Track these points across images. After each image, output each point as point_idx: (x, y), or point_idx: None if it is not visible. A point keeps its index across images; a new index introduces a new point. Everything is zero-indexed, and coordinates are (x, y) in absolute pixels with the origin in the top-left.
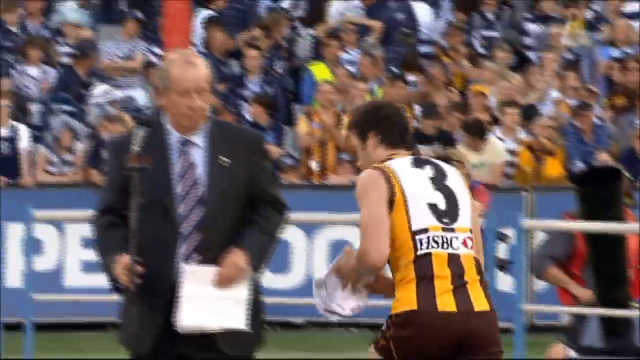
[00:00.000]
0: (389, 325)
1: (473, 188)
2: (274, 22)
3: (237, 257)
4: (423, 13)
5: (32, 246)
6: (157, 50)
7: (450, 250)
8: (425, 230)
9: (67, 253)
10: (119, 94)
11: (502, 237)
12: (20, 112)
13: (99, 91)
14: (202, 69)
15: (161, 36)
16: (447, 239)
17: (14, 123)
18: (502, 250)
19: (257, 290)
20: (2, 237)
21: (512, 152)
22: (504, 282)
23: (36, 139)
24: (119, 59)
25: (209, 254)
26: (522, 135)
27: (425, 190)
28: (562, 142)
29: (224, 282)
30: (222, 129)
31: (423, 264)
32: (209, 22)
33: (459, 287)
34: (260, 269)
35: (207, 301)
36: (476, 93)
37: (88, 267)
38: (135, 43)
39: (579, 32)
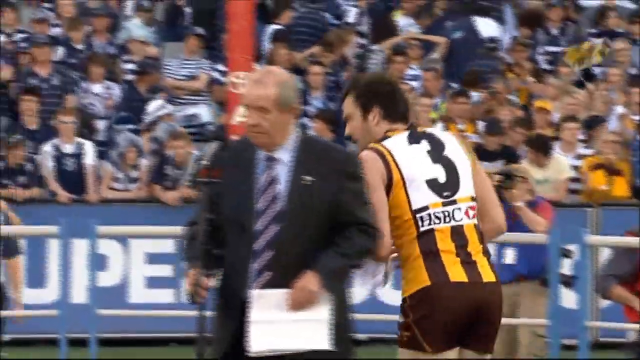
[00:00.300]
0: (406, 312)
1: (537, 204)
2: (339, 39)
3: (308, 281)
4: (487, 29)
5: (97, 262)
6: (220, 67)
7: (452, 223)
8: (426, 208)
9: (131, 269)
10: (174, 108)
11: (566, 253)
12: (85, 129)
13: (154, 106)
14: (265, 88)
15: (225, 53)
16: (448, 212)
17: (80, 140)
18: (566, 266)
19: (343, 310)
20: (67, 253)
21: (575, 168)
22: (568, 298)
23: (101, 155)
24: (183, 77)
25: (280, 272)
26: (585, 150)
27: (424, 167)
28: (628, 157)
29: (295, 305)
30: (311, 147)
31: (427, 240)
32: (275, 38)
33: (465, 258)
34: (336, 290)
35: (279, 324)
36: (540, 109)
37: (152, 282)
38: (198, 60)
39: None
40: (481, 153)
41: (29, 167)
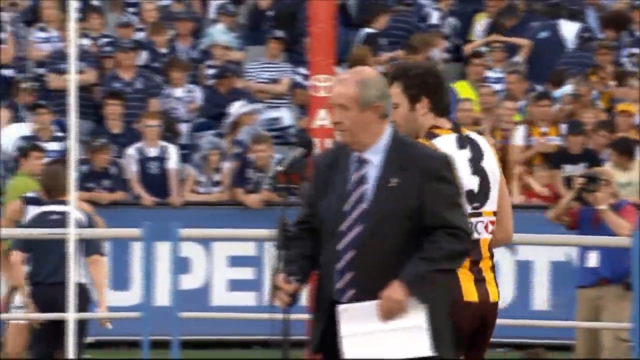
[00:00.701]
0: None
1: (620, 207)
2: (423, 42)
3: (393, 290)
4: (571, 31)
5: (180, 265)
6: (302, 70)
7: (474, 236)
8: None
9: (213, 271)
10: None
11: None
12: (168, 133)
13: (236, 106)
14: (345, 86)
15: (306, 57)
16: (472, 224)
17: (163, 143)
18: None
19: (439, 314)
20: (150, 256)
21: None
22: None
23: (184, 158)
24: (265, 81)
25: (362, 273)
26: None
27: (464, 176)
28: None
29: (384, 315)
30: (401, 148)
31: None
32: (365, 41)
33: (477, 275)
34: (426, 295)
35: (372, 335)
36: (623, 112)
37: (234, 285)
38: (279, 64)
39: None
40: (564, 156)
41: (114, 170)
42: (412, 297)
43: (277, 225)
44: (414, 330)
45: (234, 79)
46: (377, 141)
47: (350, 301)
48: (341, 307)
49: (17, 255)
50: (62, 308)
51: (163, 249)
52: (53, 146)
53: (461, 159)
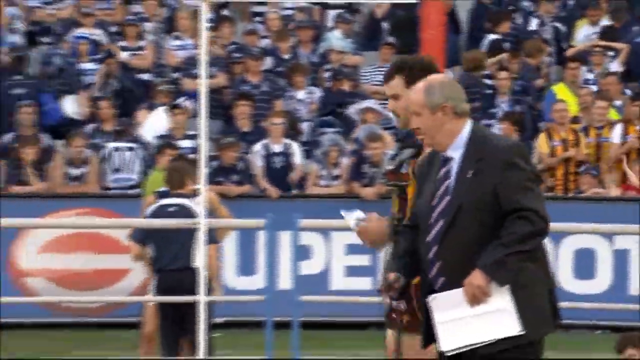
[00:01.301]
0: (410, 298)
1: None
2: (535, 48)
3: (473, 277)
4: None
5: (300, 252)
6: None
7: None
8: None
9: (332, 258)
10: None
11: None
12: (292, 131)
13: (354, 108)
14: (415, 94)
15: None
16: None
17: (287, 140)
18: None
19: (522, 295)
20: (274, 244)
21: None
22: None
23: (306, 154)
24: (379, 83)
25: (447, 263)
26: None
27: None
28: None
29: (470, 301)
30: (477, 141)
31: None
32: (491, 47)
33: None
34: (506, 278)
35: (463, 321)
36: None
37: (351, 271)
38: None
39: None
40: None
41: (241, 165)
42: (493, 281)
43: (389, 221)
44: (500, 312)
45: (347, 81)
46: (456, 138)
47: (440, 290)
48: (430, 297)
49: (135, 247)
50: (183, 292)
51: (285, 238)
52: (186, 144)
53: None
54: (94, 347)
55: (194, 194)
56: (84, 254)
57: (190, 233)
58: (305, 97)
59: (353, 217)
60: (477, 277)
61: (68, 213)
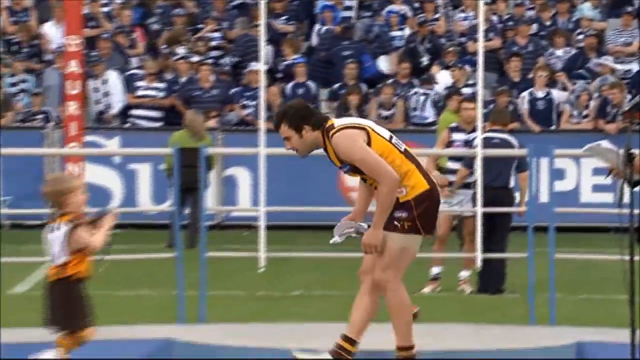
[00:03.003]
0: (411, 207)
1: None
2: None
3: None
4: None
5: (555, 174)
6: None
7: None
8: (392, 137)
9: (581, 178)
10: (619, 67)
11: None
12: (550, 81)
13: (596, 62)
14: None
15: None
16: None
17: (547, 89)
18: None
19: None
20: (536, 168)
21: None
22: None
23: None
24: (620, 44)
25: None
26: None
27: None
28: None
29: None
30: None
31: (409, 156)
32: None
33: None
34: None
35: None
36: None
37: (596, 188)
38: (631, 31)
39: None
40: None
41: (511, 107)
42: None
43: (624, 151)
44: None
45: (599, 43)
46: None
47: None
48: None
49: (465, 170)
50: (500, 205)
51: (544, 163)
52: (467, 90)
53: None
54: None
55: (510, 130)
56: None
57: (508, 161)
58: (562, 54)
59: (342, 236)
60: None
61: None
